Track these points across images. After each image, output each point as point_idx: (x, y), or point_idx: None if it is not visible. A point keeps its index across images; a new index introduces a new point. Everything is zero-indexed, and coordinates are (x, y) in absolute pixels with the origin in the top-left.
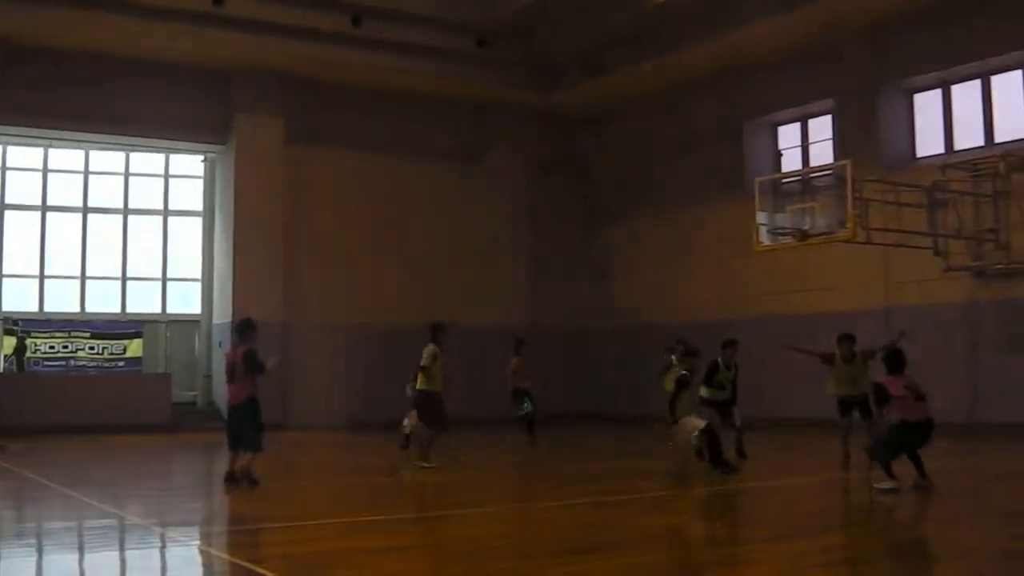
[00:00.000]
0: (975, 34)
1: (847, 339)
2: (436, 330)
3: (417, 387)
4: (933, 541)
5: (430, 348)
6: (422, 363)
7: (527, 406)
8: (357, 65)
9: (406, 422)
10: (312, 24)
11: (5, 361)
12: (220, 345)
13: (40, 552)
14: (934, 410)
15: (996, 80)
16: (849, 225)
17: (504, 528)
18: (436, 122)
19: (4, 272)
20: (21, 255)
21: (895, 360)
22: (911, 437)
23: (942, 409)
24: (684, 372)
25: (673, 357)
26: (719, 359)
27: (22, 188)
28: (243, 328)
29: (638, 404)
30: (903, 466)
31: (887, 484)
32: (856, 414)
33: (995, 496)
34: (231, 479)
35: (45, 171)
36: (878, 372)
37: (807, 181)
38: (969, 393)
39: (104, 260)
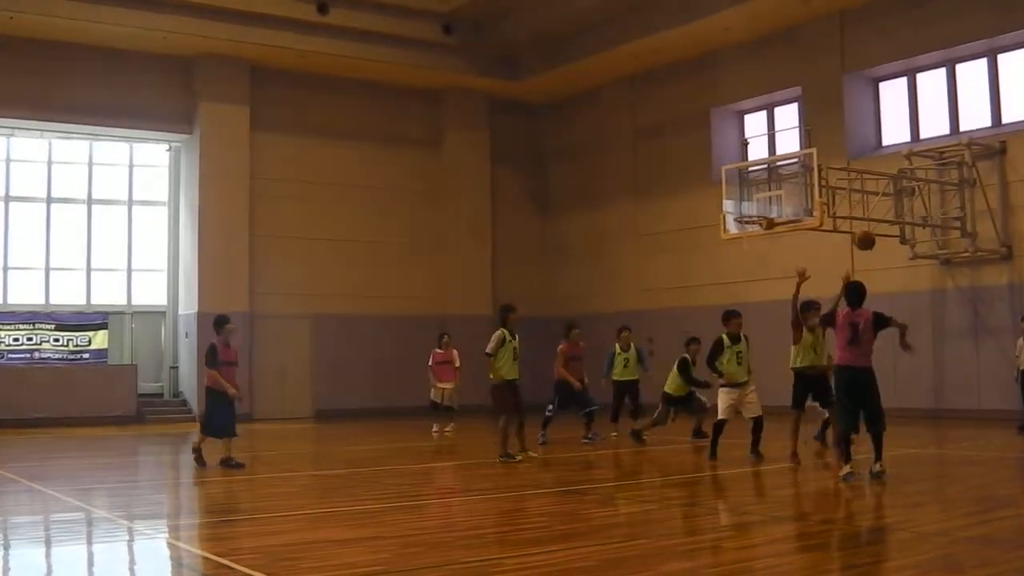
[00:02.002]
0: (940, 22)
1: (811, 307)
2: (505, 313)
3: (491, 377)
4: (900, 526)
5: (496, 333)
6: (487, 350)
7: (551, 406)
8: (323, 53)
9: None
10: (278, 12)
11: None
12: (186, 336)
13: (5, 547)
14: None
15: (961, 68)
16: (816, 213)
17: (472, 518)
18: (401, 109)
19: None
20: None
21: (851, 291)
22: (847, 389)
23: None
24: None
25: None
26: (686, 355)
27: None
28: (213, 322)
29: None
30: (861, 450)
31: (846, 470)
32: (813, 400)
33: (961, 482)
34: (223, 461)
35: (8, 161)
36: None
37: (773, 169)
38: (936, 380)
39: (68, 251)
